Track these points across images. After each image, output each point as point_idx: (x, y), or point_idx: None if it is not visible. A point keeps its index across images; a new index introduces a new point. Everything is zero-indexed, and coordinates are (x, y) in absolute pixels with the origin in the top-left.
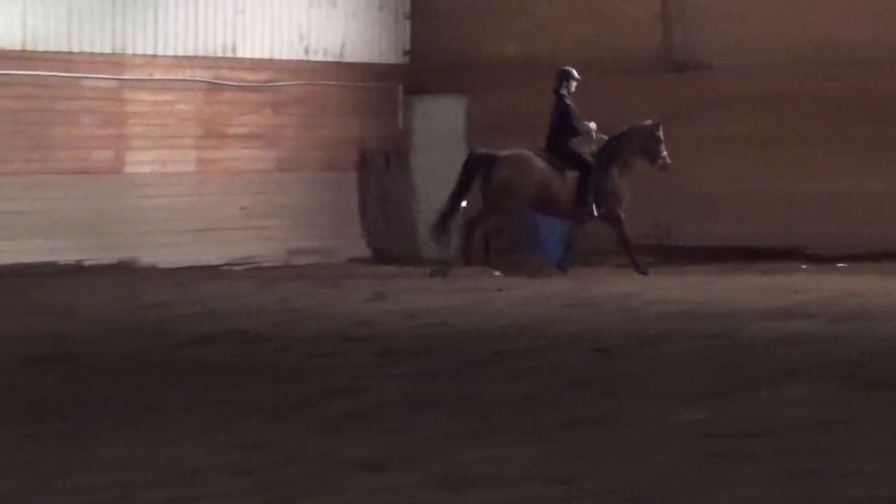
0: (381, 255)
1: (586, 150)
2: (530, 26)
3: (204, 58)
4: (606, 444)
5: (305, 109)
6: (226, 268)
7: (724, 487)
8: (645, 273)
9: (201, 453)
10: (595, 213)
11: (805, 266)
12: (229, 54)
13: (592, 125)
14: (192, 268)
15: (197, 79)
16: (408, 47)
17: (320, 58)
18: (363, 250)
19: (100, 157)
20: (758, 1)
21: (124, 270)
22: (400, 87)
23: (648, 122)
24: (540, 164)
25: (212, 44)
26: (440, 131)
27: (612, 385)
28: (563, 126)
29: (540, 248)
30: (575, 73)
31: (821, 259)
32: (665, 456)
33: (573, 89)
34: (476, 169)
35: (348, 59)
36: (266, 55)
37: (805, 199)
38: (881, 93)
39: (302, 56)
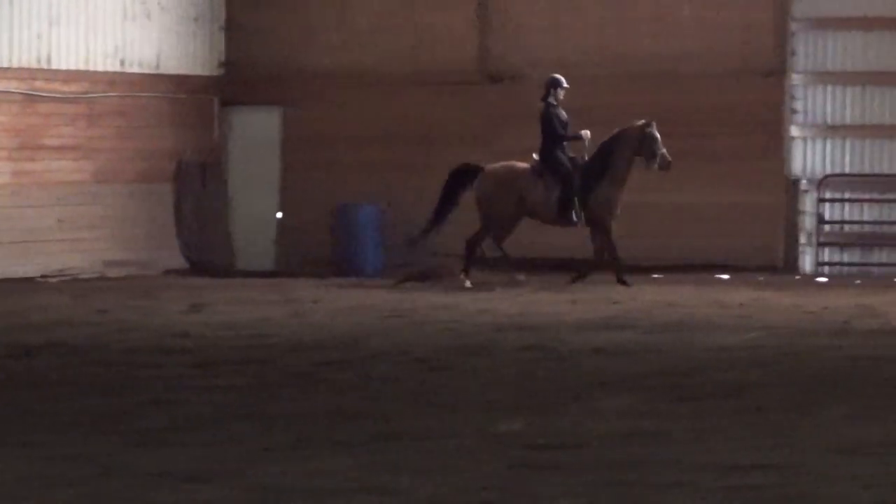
0: (198, 267)
1: (579, 156)
2: (347, 38)
3: (18, 69)
4: (425, 456)
5: (121, 121)
6: (42, 280)
7: (541, 499)
8: (626, 284)
9: (21, 466)
10: (576, 222)
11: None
12: (44, 66)
13: (585, 132)
14: (8, 280)
15: (11, 90)
16: (223, 59)
17: (136, 69)
18: (179, 262)
19: None
20: (573, 14)
21: None
22: (215, 99)
23: (640, 122)
24: (523, 175)
25: (26, 55)
26: (256, 143)
27: (431, 397)
28: (548, 134)
29: (358, 257)
30: (563, 81)
31: (636, 270)
32: (484, 467)
33: (561, 97)
34: (460, 181)
35: (164, 70)
36: (81, 67)
37: (620, 211)
38: (693, 105)
39: (117, 68)
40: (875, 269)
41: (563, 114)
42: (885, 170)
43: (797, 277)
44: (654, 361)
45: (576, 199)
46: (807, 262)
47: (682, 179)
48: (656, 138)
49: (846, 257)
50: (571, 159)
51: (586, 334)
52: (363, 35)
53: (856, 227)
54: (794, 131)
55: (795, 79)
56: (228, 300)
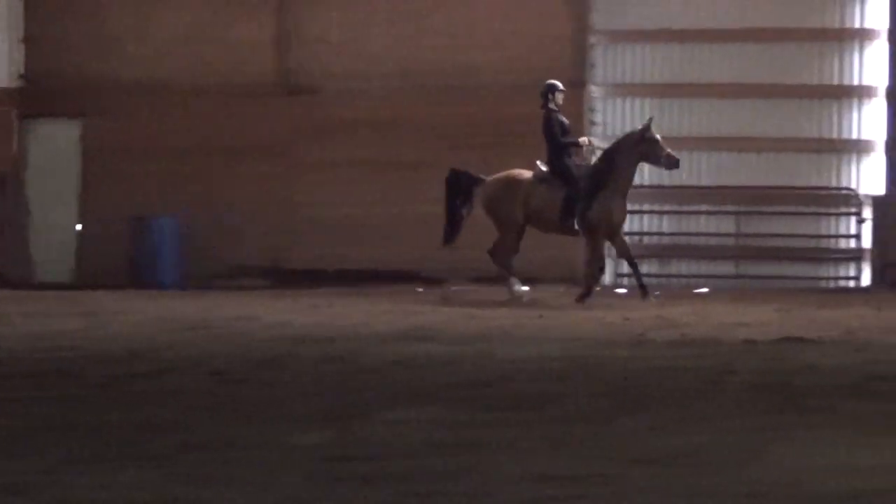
0: None
1: (581, 162)
2: (148, 51)
3: None
4: (227, 468)
5: None
6: None
7: None
8: (582, 301)
9: None
10: (577, 231)
11: (421, 289)
12: None
13: (584, 139)
14: None
15: None
16: (22, 71)
17: None
18: None
19: None
20: (373, 27)
21: None
22: (14, 111)
23: (639, 127)
24: (526, 182)
25: None
26: (56, 155)
27: (233, 409)
28: (551, 141)
29: (157, 269)
30: (560, 85)
31: (436, 282)
32: (286, 479)
33: (560, 102)
34: (459, 185)
35: None
36: None
37: (419, 223)
38: (490, 117)
39: None
40: (674, 280)
41: (565, 120)
42: (684, 181)
43: (597, 289)
44: (455, 373)
45: (579, 207)
46: (607, 274)
47: None
48: (657, 141)
49: (645, 268)
50: (578, 167)
51: (388, 346)
52: (164, 47)
53: (655, 239)
54: (594, 142)
55: (594, 91)
56: (27, 312)
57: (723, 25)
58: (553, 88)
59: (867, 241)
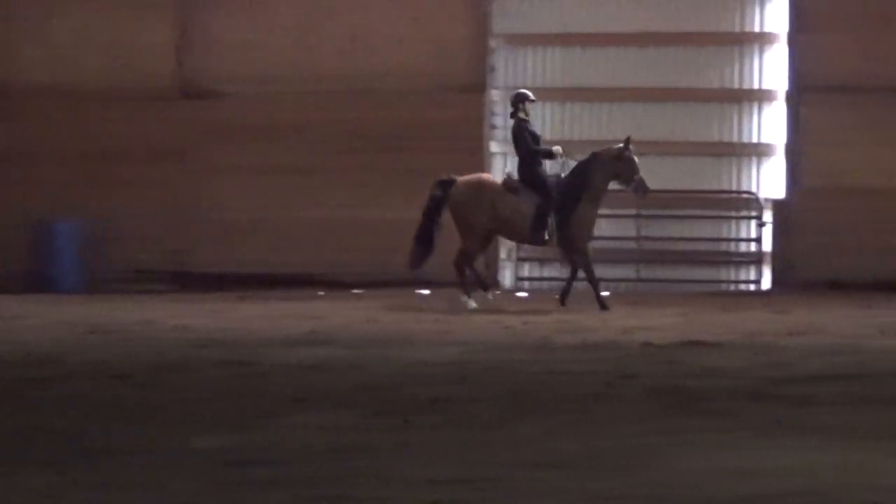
0: None
1: (557, 175)
2: (47, 54)
3: None
4: (126, 473)
5: None
6: None
7: None
8: (606, 308)
9: None
10: (546, 240)
11: (322, 293)
12: None
13: (557, 148)
14: None
15: None
16: None
17: None
18: None
19: None
20: (274, 30)
21: None
22: None
23: (619, 144)
24: (494, 188)
25: None
26: None
27: (133, 413)
28: (522, 151)
29: (57, 273)
30: (530, 95)
31: (337, 286)
32: (186, 484)
33: (529, 111)
34: (438, 194)
35: None
36: None
37: (320, 227)
38: (391, 122)
39: None
40: (574, 284)
41: (535, 130)
42: None
43: (497, 293)
44: (354, 376)
45: (551, 218)
46: (507, 278)
47: (381, 196)
48: (634, 162)
49: (546, 272)
50: (550, 178)
51: (287, 350)
52: (63, 50)
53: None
54: (494, 147)
55: (495, 95)
56: None
57: (623, 29)
58: (523, 98)
59: (767, 245)
